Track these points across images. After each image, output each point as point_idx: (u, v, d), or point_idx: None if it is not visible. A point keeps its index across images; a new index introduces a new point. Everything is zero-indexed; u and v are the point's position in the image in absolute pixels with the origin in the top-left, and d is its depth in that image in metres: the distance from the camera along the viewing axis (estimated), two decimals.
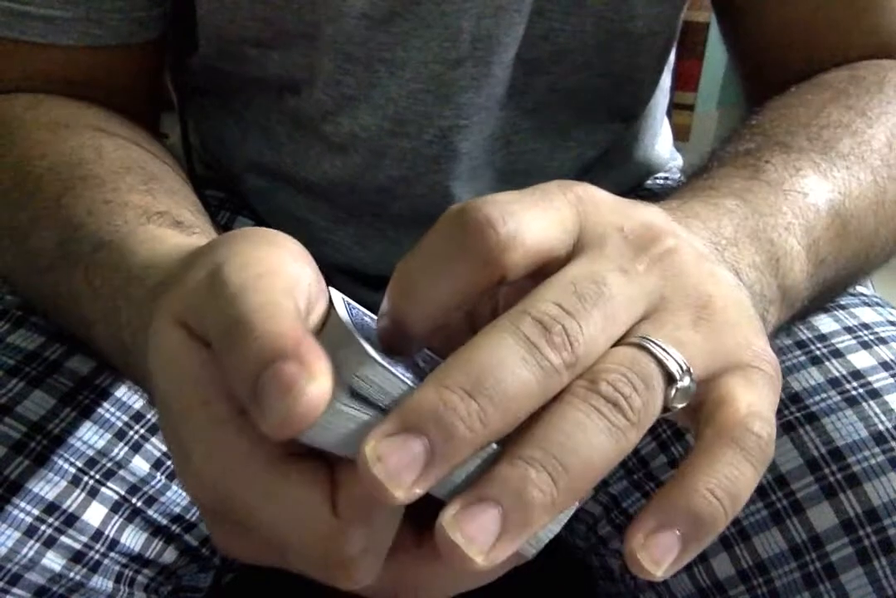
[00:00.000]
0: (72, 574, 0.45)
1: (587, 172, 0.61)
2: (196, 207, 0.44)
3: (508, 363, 0.25)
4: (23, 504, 0.44)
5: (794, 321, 0.42)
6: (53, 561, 0.44)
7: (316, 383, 0.24)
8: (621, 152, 0.63)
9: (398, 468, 0.23)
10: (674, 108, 0.77)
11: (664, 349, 0.27)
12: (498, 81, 0.54)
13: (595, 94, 0.58)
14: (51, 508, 0.44)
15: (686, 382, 0.27)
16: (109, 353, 0.39)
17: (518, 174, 0.59)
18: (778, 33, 0.55)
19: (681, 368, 0.27)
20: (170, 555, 0.50)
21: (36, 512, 0.44)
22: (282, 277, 0.27)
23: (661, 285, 0.28)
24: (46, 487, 0.44)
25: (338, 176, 0.57)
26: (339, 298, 0.30)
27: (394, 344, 0.28)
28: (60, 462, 0.45)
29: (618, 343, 0.27)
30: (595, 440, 0.25)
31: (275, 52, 0.54)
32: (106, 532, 0.46)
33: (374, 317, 0.30)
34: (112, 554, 0.47)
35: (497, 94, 0.54)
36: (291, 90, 0.56)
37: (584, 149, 0.60)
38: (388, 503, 0.24)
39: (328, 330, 0.28)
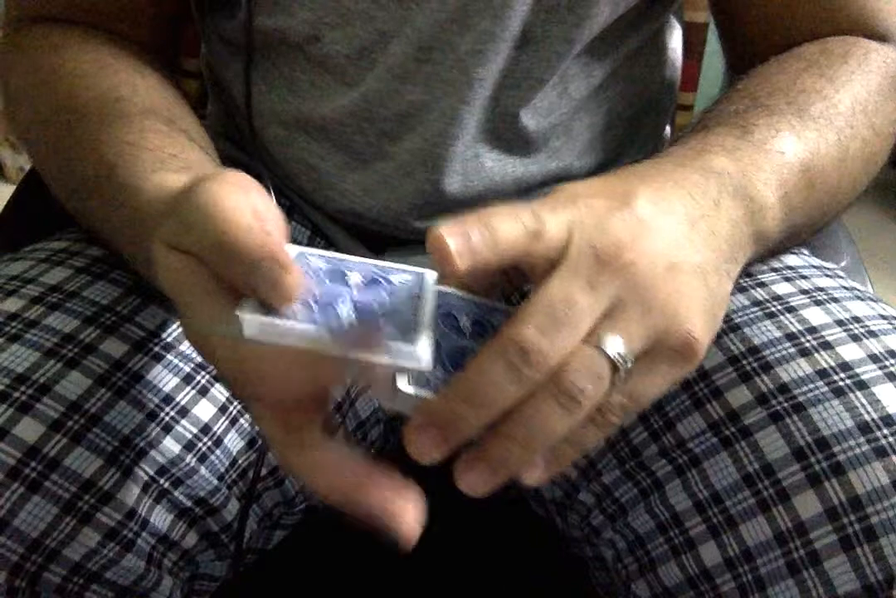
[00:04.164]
0: (106, 551, 0.47)
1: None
2: (199, 142, 0.53)
3: (497, 383, 0.35)
4: (60, 481, 0.46)
5: (768, 256, 0.54)
6: (89, 537, 0.46)
7: (291, 274, 0.36)
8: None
9: (425, 443, 0.35)
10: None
11: (616, 351, 0.36)
12: (515, 14, 0.56)
13: (609, 44, 0.61)
14: (87, 485, 0.46)
15: (628, 365, 0.37)
16: (132, 257, 0.50)
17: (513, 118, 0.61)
18: (762, 10, 0.61)
19: (624, 359, 0.37)
20: (191, 539, 0.52)
21: (73, 489, 0.46)
22: (233, 206, 0.37)
23: (619, 289, 0.37)
24: (83, 464, 0.47)
25: (357, 106, 0.60)
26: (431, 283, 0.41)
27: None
28: (97, 441, 0.47)
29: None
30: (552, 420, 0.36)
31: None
32: (139, 511, 0.48)
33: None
34: (143, 534, 0.49)
35: (513, 27, 0.57)
36: (314, 39, 0.59)
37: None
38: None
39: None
